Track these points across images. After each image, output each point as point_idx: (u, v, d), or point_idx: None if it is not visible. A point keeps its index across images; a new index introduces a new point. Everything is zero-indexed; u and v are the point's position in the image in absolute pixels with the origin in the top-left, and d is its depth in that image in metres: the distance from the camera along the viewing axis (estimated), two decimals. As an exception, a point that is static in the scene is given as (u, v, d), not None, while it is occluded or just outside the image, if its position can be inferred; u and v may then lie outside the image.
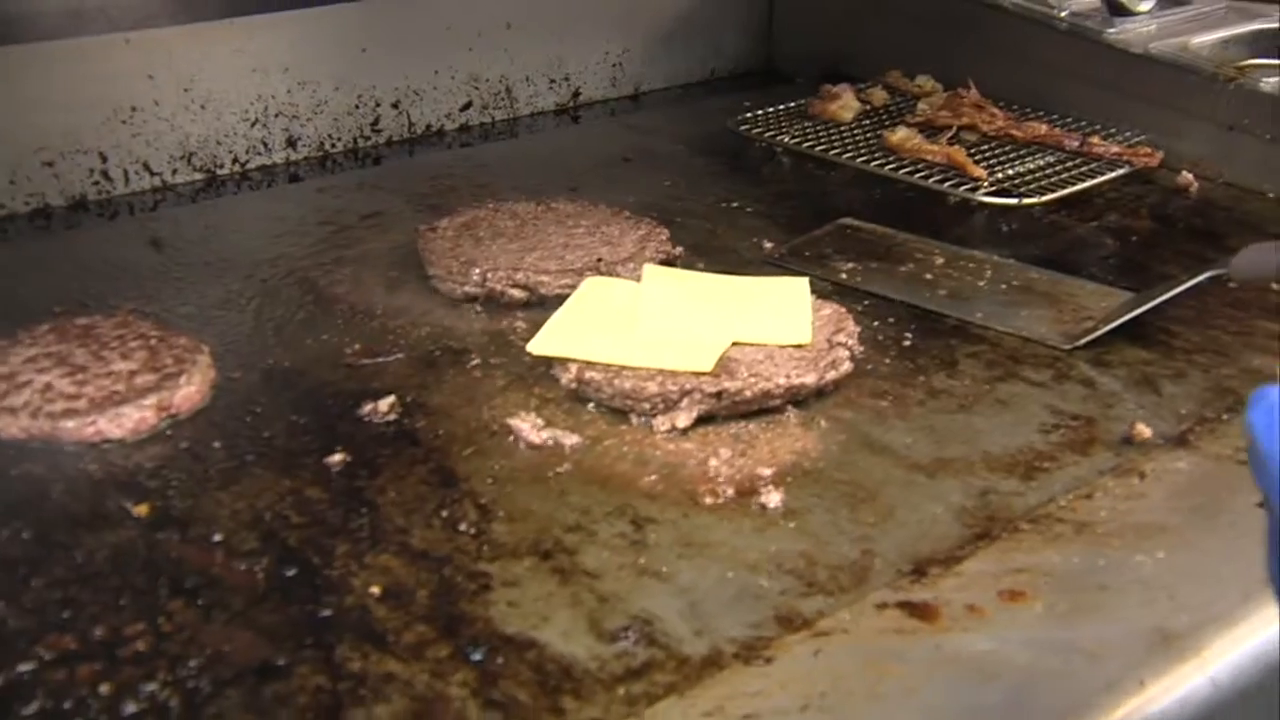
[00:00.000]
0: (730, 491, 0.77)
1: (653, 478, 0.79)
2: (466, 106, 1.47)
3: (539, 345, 0.88)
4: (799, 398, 0.85)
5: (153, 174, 1.28)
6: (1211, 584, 0.67)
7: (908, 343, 0.95)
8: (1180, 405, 0.87)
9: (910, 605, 0.67)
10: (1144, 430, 0.83)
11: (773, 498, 0.76)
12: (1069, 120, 1.35)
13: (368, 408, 0.85)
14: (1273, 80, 1.25)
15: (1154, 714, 0.60)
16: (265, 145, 1.34)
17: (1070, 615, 0.65)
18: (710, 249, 1.10)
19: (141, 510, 0.76)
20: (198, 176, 1.31)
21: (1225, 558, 0.70)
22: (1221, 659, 0.62)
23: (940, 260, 1.08)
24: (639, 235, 1.06)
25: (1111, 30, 1.36)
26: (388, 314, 0.99)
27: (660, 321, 0.90)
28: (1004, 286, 1.04)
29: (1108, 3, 1.37)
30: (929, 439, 0.83)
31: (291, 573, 0.70)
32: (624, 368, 0.84)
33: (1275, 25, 1.39)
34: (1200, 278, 0.94)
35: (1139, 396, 0.88)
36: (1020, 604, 0.67)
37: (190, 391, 0.85)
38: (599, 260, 1.01)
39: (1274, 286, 1.02)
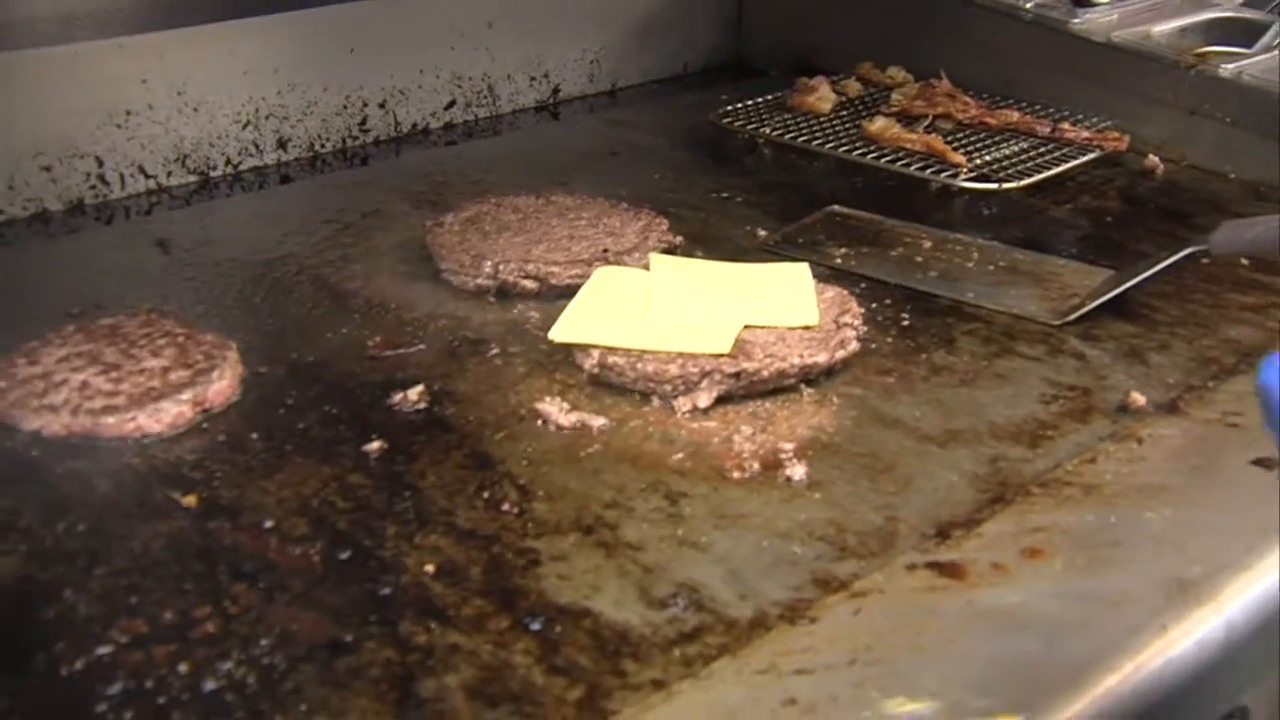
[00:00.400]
0: (756, 466, 0.81)
1: (680, 455, 0.82)
2: (450, 105, 1.50)
3: (560, 333, 0.91)
4: (811, 376, 0.89)
5: (148, 177, 1.29)
6: (1217, 536, 0.72)
7: (906, 322, 0.99)
8: (1168, 375, 0.92)
9: (939, 565, 0.71)
10: (1139, 398, 0.88)
11: (797, 470, 0.80)
12: (1038, 108, 1.40)
13: (397, 397, 0.88)
14: (1230, 66, 1.31)
15: (1175, 656, 0.64)
16: (257, 147, 1.36)
17: (1089, 569, 0.70)
18: (707, 238, 1.14)
19: (190, 500, 0.78)
20: (191, 179, 1.32)
21: (1227, 512, 0.75)
22: (1234, 602, 0.66)
23: (928, 244, 1.13)
24: (640, 226, 1.09)
25: (1075, 20, 1.41)
26: (402, 307, 1.02)
27: (674, 307, 0.93)
28: (991, 267, 1.08)
29: (1070, -6, 1.42)
30: (937, 412, 0.88)
31: (345, 555, 0.73)
32: (645, 352, 0.88)
33: (1230, 14, 1.45)
34: (1181, 254, 0.99)
35: (1128, 368, 0.93)
36: (1041, 560, 0.71)
37: (223, 386, 0.88)
38: (605, 250, 1.04)
39: (1244, 262, 1.08)
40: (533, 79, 1.56)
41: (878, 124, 1.33)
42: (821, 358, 0.89)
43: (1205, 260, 1.03)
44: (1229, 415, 0.86)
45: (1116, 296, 1.01)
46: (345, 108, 1.41)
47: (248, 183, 1.35)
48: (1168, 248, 1.03)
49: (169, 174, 1.31)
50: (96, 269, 1.10)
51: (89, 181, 1.26)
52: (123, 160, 1.27)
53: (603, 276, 0.98)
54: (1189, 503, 0.76)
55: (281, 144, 1.37)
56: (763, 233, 1.15)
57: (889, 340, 0.97)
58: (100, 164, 1.26)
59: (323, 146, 1.41)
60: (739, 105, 1.44)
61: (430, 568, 0.72)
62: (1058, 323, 0.99)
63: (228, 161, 1.34)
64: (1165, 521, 0.74)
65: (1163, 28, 1.42)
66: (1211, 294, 1.05)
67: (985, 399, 0.89)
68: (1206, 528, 0.73)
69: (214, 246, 1.14)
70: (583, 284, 0.98)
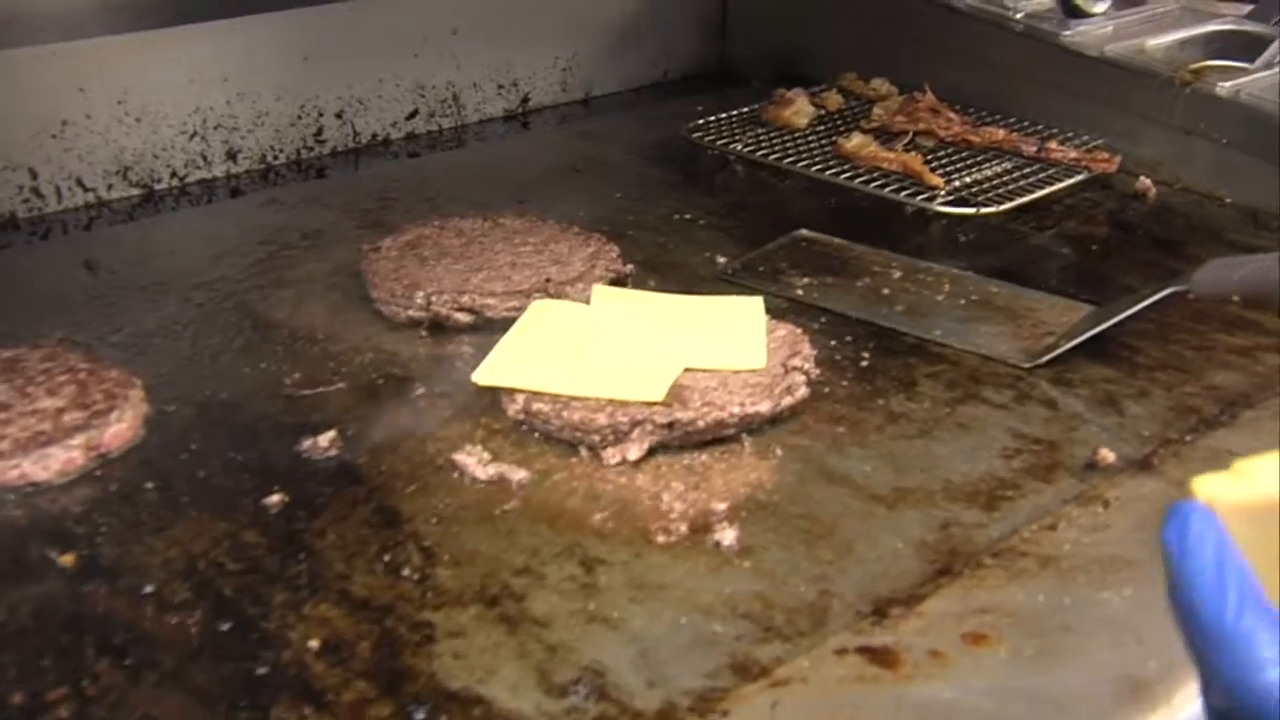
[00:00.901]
0: (683, 529, 0.74)
1: (603, 515, 0.76)
2: (413, 115, 1.43)
3: (484, 375, 0.85)
4: (753, 426, 0.83)
5: (86, 190, 1.24)
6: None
7: (865, 363, 0.93)
8: (1144, 426, 0.85)
9: (871, 651, 0.65)
10: (1107, 455, 0.81)
11: (727, 535, 0.73)
12: (1025, 124, 1.33)
13: (307, 443, 0.82)
14: (1227, 84, 1.24)
15: (1123, 766, 0.58)
16: (205, 158, 1.30)
17: (1035, 660, 0.63)
18: (661, 265, 1.08)
19: (68, 560, 0.72)
20: (134, 192, 1.27)
21: (1192, 594, 0.68)
22: (1189, 707, 0.60)
23: (898, 274, 1.06)
24: (588, 253, 1.03)
25: (1067, 32, 1.34)
26: (329, 339, 0.96)
27: (609, 348, 0.87)
28: (963, 301, 1.02)
29: (1063, 4, 1.35)
30: (888, 467, 0.81)
31: (226, 626, 0.67)
32: (572, 398, 0.82)
33: (1230, 26, 1.38)
34: (1161, 294, 0.92)
35: (1102, 417, 0.86)
36: (984, 648, 0.64)
37: (121, 429, 0.82)
38: (547, 280, 0.98)
39: (1234, 299, 1.01)
40: (500, 87, 1.50)
41: (854, 141, 1.26)
42: (764, 406, 0.82)
43: (1192, 297, 0.96)
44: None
45: (1094, 336, 0.94)
46: (300, 118, 1.35)
47: (195, 196, 1.29)
48: (1156, 280, 0.97)
49: (109, 187, 1.25)
50: (15, 292, 1.04)
51: (22, 195, 1.20)
52: (59, 172, 1.22)
53: (538, 311, 0.92)
54: (1153, 581, 0.68)
55: (231, 155, 1.32)
56: (722, 259, 1.09)
57: (844, 384, 0.90)
58: (34, 176, 1.20)
59: (275, 158, 1.35)
60: (711, 119, 1.37)
61: (315, 643, 0.66)
62: (1029, 365, 0.92)
63: (173, 174, 1.29)
64: (1124, 603, 0.67)
65: (1159, 41, 1.34)
66: (1197, 333, 0.97)
67: (942, 452, 0.83)
68: (1168, 614, 0.66)
69: (143, 268, 1.08)
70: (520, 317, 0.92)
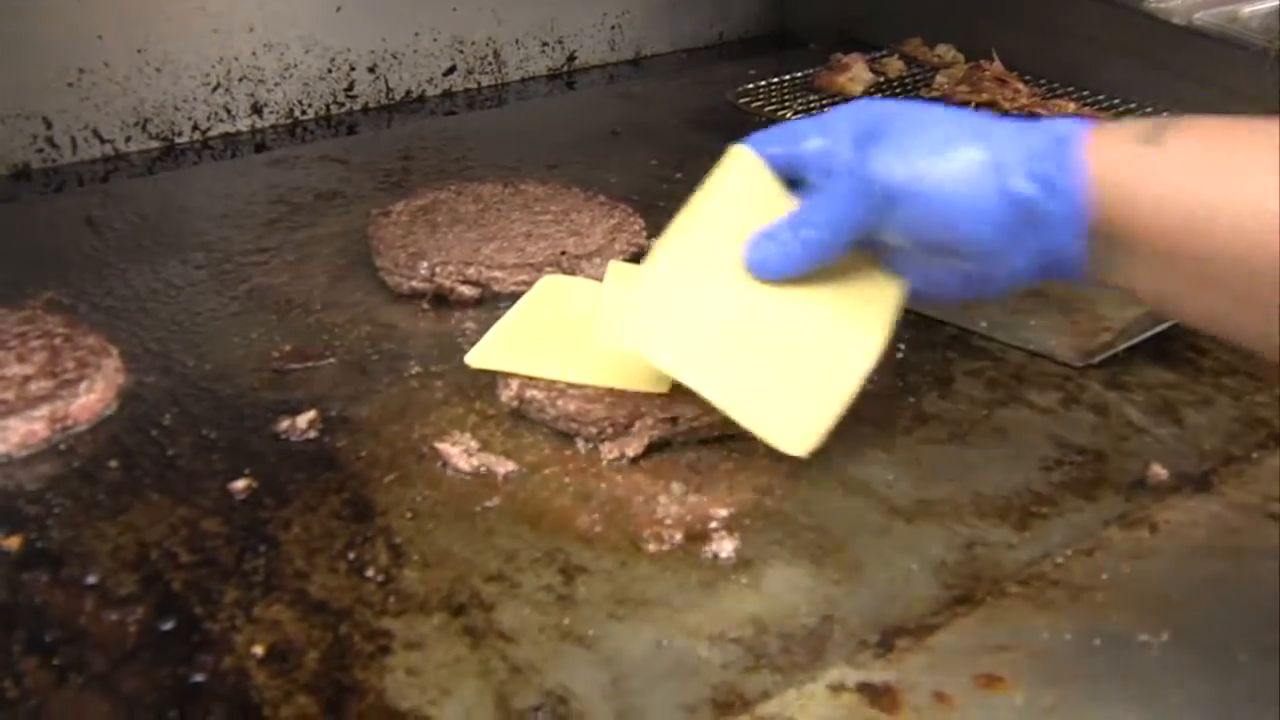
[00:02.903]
0: (678, 536, 0.68)
1: (592, 517, 0.69)
2: (450, 71, 1.37)
3: (478, 357, 0.78)
4: (767, 424, 0.75)
5: (104, 141, 1.19)
6: (1220, 681, 0.57)
7: (899, 355, 0.85)
8: (1204, 439, 0.77)
9: (870, 688, 0.57)
10: (1160, 471, 0.73)
11: (725, 546, 0.66)
12: (1101, 98, 1.23)
13: (285, 423, 0.76)
14: (1329, 58, 1.13)
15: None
16: (228, 111, 1.25)
17: (1053, 714, 0.56)
18: (692, 240, 1.00)
19: (12, 543, 0.67)
20: (154, 145, 1.22)
21: (1248, 647, 0.59)
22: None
23: (945, 258, 0.98)
24: (610, 225, 0.96)
25: (1153, -2, 1.24)
26: (326, 309, 0.90)
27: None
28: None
29: (1147, -33, 1.25)
30: (913, 475, 0.73)
31: (168, 626, 0.62)
32: (570, 386, 0.75)
33: (1335, -6, 1.27)
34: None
35: (1157, 427, 0.78)
36: (997, 692, 0.57)
37: (91, 400, 0.77)
38: (562, 254, 0.91)
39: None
40: (545, 45, 1.42)
41: (911, 112, 1.17)
42: (779, 402, 0.74)
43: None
44: (1271, 501, 0.71)
45: (1156, 334, 0.86)
46: (330, 71, 1.29)
47: (217, 150, 1.24)
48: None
49: (128, 139, 1.20)
50: (14, 247, 1.00)
51: (35, 144, 1.16)
52: (75, 122, 1.17)
53: (545, 288, 0.85)
54: (1196, 625, 0.61)
55: (256, 109, 1.26)
56: (757, 235, 1.01)
57: (873, 378, 0.80)
58: (49, 125, 1.16)
59: (303, 113, 1.29)
60: (761, 84, 1.29)
61: (260, 649, 0.60)
62: (1080, 364, 0.84)
63: (195, 127, 1.24)
64: (1162, 651, 0.59)
65: (1255, 8, 1.23)
66: (1274, 335, 0.88)
67: (975, 460, 0.75)
68: (1211, 667, 0.58)
69: (146, 227, 1.03)
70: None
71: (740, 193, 0.71)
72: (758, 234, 0.69)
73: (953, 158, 0.61)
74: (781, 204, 0.70)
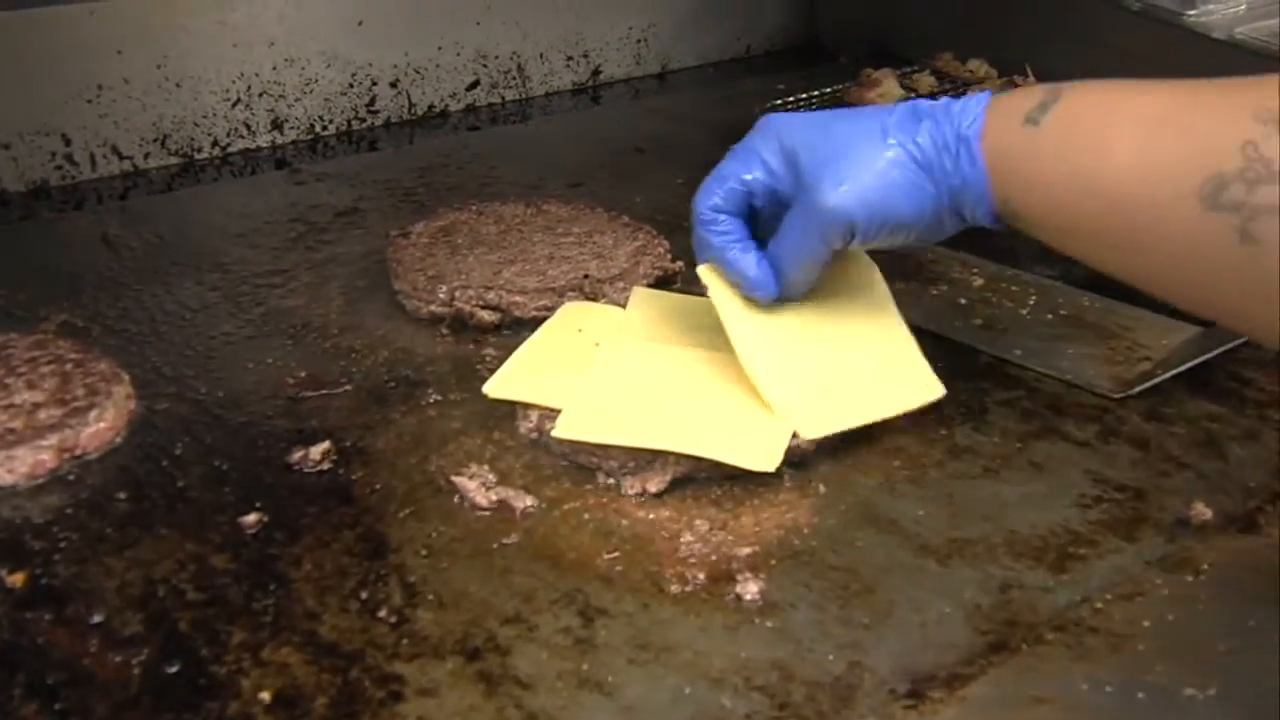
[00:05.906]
0: (701, 577, 0.65)
1: (613, 555, 0.67)
2: (473, 86, 1.35)
3: (496, 386, 0.76)
4: (793, 459, 0.73)
5: (123, 158, 1.18)
6: (1274, 741, 0.54)
7: (932, 385, 0.82)
8: (1249, 476, 0.74)
9: (900, 743, 0.55)
10: (1203, 510, 0.70)
11: (750, 587, 0.64)
12: (1138, 114, 1.20)
13: (298, 454, 0.74)
14: (1375, 75, 1.09)
15: None
16: (248, 127, 1.23)
17: (1095, 774, 0.53)
18: (717, 262, 0.97)
19: (17, 579, 0.65)
20: (173, 161, 1.20)
21: (1294, 698, 0.57)
22: None
23: (979, 281, 0.95)
24: (634, 247, 0.94)
25: (1192, 11, 1.20)
26: (343, 333, 0.88)
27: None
28: (1049, 316, 0.90)
29: (1187, -20, 1.22)
30: (945, 512, 0.71)
31: (173, 669, 0.60)
32: (591, 417, 0.73)
33: (1381, 9, 1.23)
34: None
35: (1201, 462, 0.75)
36: (1035, 750, 0.54)
37: (101, 429, 0.75)
38: (585, 277, 0.89)
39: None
40: (569, 59, 1.40)
41: (943, 129, 1.14)
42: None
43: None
44: (1320, 543, 0.68)
45: (1199, 364, 0.83)
46: (351, 86, 1.28)
47: (237, 167, 1.22)
48: (1273, 300, 0.84)
49: (147, 155, 1.19)
50: (29, 267, 0.98)
51: (54, 161, 1.15)
52: (94, 139, 1.16)
53: (567, 315, 0.83)
54: (1243, 680, 0.58)
55: (277, 125, 1.25)
56: (785, 258, 0.98)
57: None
58: (68, 142, 1.15)
59: (324, 129, 1.27)
60: (789, 100, 1.27)
61: (266, 695, 0.58)
62: (1119, 395, 0.81)
63: (214, 143, 1.22)
64: (1207, 707, 0.56)
65: (1298, 24, 1.20)
66: (1322, 364, 0.85)
67: (1010, 497, 0.72)
68: (1263, 721, 0.56)
69: (163, 246, 1.01)
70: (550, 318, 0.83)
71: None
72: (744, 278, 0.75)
73: (891, 178, 0.68)
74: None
